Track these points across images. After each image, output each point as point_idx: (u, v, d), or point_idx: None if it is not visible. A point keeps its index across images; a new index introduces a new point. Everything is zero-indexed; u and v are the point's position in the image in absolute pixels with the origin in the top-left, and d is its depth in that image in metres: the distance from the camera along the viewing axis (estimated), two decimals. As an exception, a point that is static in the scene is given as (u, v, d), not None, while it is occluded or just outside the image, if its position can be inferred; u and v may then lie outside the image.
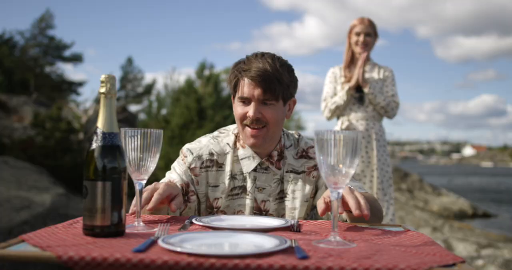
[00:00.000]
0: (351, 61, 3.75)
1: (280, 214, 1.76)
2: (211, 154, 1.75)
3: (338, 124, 3.73)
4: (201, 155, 1.75)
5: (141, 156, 1.26)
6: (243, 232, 1.18)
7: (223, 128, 1.86)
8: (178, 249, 0.95)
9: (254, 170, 1.74)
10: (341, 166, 1.11)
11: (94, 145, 1.14)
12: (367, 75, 3.72)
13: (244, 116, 1.67)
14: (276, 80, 1.63)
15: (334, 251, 1.02)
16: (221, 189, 1.74)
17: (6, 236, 5.17)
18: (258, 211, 1.75)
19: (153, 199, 1.37)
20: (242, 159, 1.74)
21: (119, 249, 0.99)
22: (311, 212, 1.81)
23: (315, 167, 1.76)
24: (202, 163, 1.74)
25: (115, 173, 1.13)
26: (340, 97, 3.66)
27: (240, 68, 1.67)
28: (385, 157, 3.69)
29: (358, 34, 3.70)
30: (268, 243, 1.06)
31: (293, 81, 1.71)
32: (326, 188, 1.71)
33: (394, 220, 3.63)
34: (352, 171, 1.12)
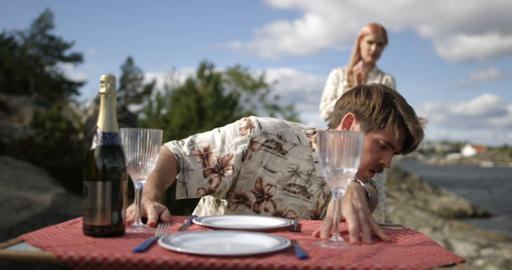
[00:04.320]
0: (356, 65, 3.73)
1: (285, 207, 1.70)
2: (280, 137, 1.66)
3: None
4: (269, 133, 1.66)
5: (140, 155, 1.26)
6: (243, 232, 1.18)
7: (292, 122, 1.79)
8: (178, 249, 0.95)
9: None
10: (342, 165, 1.11)
11: (94, 145, 1.14)
12: (369, 82, 3.71)
13: (376, 161, 1.60)
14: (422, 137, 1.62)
15: (334, 251, 1.02)
16: (278, 177, 1.67)
17: (6, 236, 5.17)
18: (260, 192, 1.68)
19: (153, 214, 1.34)
20: (316, 162, 1.69)
21: (119, 249, 0.99)
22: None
23: None
24: (266, 141, 1.65)
25: (115, 173, 1.13)
26: None
27: (401, 118, 1.59)
28: None
29: (370, 42, 3.62)
30: (268, 243, 1.06)
31: None
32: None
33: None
34: (354, 171, 1.12)
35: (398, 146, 1.60)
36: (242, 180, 1.67)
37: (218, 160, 1.63)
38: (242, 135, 1.66)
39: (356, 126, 1.62)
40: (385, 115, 1.57)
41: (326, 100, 3.75)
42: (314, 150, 1.69)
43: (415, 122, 1.58)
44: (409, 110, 1.60)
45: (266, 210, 1.69)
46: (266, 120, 1.69)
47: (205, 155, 1.64)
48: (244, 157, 1.64)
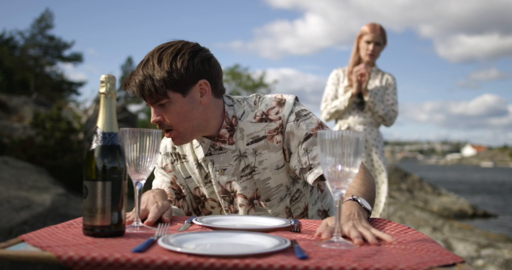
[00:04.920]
0: (357, 66, 3.73)
1: (254, 189, 1.67)
2: (173, 148, 1.75)
3: (336, 128, 3.74)
4: (167, 151, 1.76)
5: (140, 156, 1.26)
6: (243, 232, 1.18)
7: None
8: (178, 249, 0.95)
9: (210, 153, 1.65)
10: (344, 166, 1.11)
11: (94, 145, 1.14)
12: (370, 82, 3.71)
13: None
14: (149, 80, 1.50)
15: (334, 251, 1.02)
16: (195, 179, 1.74)
17: (6, 236, 5.16)
18: (226, 193, 1.68)
19: (153, 213, 1.38)
20: (196, 148, 1.69)
21: (119, 249, 0.99)
22: (294, 184, 1.70)
23: (278, 131, 1.62)
24: (171, 159, 1.76)
25: (115, 173, 1.13)
26: (341, 102, 3.65)
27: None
28: (385, 164, 3.71)
29: (368, 42, 3.63)
30: (268, 243, 1.06)
31: (183, 67, 1.51)
32: (305, 153, 1.57)
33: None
34: (355, 171, 1.12)
35: (147, 101, 1.56)
36: (190, 195, 1.78)
37: (171, 189, 1.74)
38: (160, 167, 1.78)
39: None
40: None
41: (326, 101, 3.76)
42: None
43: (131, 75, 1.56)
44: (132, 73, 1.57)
45: (212, 207, 1.78)
46: (162, 142, 1.78)
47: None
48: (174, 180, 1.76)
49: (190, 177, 1.75)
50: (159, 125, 1.56)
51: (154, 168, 1.78)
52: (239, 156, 1.65)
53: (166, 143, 1.77)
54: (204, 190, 1.74)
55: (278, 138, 1.62)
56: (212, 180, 1.69)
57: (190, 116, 1.56)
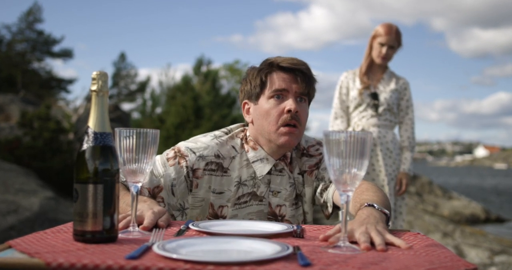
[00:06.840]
0: (369, 68, 3.72)
1: (300, 220, 1.78)
2: (217, 156, 1.68)
3: (349, 129, 3.73)
4: (205, 155, 1.67)
5: (136, 157, 1.26)
6: (242, 237, 1.18)
7: (225, 128, 1.81)
8: (174, 256, 0.95)
9: (269, 172, 1.71)
10: (350, 167, 1.11)
11: (85, 146, 1.14)
12: (383, 85, 3.69)
13: (281, 113, 1.64)
14: (308, 73, 1.68)
15: (339, 258, 1.02)
16: (227, 196, 1.69)
17: (-8, 242, 5.16)
18: (273, 216, 1.73)
19: (148, 219, 1.35)
20: (254, 162, 1.70)
21: (112, 255, 0.99)
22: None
23: (317, 166, 1.76)
24: (206, 164, 1.67)
25: (107, 175, 1.13)
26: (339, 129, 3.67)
27: (269, 63, 1.68)
28: (398, 165, 3.70)
29: (382, 44, 3.61)
30: (269, 249, 1.06)
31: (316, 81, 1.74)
32: (329, 182, 1.70)
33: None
34: (361, 173, 1.13)
35: (288, 84, 1.65)
36: (195, 209, 1.69)
37: (149, 192, 1.64)
38: (171, 165, 1.66)
39: (251, 105, 1.72)
40: (257, 73, 1.69)
41: (336, 113, 3.73)
42: (248, 151, 1.72)
43: (279, 57, 1.70)
44: (277, 56, 1.71)
45: None
46: (197, 144, 1.70)
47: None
48: (190, 187, 1.66)
49: (222, 193, 1.69)
50: (293, 116, 1.63)
51: (158, 163, 1.69)
52: (293, 183, 1.75)
53: (206, 147, 1.68)
54: (230, 212, 1.69)
55: (316, 172, 1.76)
56: (263, 200, 1.72)
57: (305, 124, 1.69)
